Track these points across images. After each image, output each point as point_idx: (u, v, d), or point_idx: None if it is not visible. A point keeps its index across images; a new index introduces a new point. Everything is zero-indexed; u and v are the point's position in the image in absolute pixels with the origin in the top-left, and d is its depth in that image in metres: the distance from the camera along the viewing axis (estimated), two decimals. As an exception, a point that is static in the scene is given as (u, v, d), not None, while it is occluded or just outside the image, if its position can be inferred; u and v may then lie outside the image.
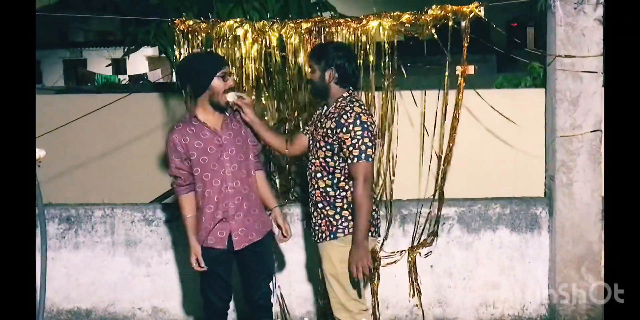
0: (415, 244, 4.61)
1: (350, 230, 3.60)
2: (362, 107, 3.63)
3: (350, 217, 3.61)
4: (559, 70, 4.40)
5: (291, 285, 4.72)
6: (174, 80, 7.19)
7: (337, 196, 3.63)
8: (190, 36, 4.47)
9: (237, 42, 4.41)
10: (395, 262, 4.57)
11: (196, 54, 4.27)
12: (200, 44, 4.47)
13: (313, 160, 3.69)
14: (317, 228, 3.71)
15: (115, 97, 5.16)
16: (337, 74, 3.64)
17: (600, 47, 4.31)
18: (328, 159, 3.61)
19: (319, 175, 3.65)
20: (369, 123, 3.54)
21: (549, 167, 4.64)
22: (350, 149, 3.51)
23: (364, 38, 4.32)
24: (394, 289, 4.59)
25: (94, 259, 4.81)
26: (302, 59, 4.38)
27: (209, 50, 4.47)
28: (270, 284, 3.98)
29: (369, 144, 3.52)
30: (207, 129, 3.72)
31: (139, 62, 27.23)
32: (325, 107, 3.74)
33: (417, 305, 4.62)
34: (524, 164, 4.80)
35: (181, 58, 4.43)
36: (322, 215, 3.67)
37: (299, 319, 4.73)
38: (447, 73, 4.27)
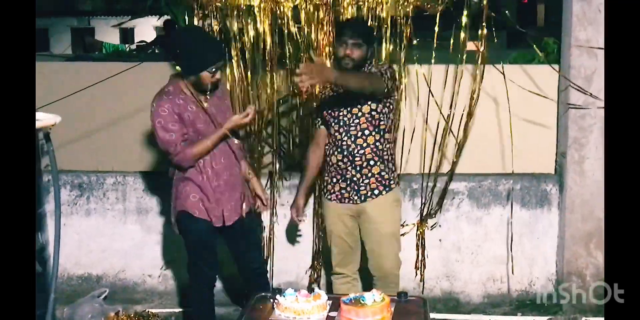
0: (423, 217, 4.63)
1: (397, 179, 3.91)
2: None
3: (394, 168, 3.85)
4: (573, 47, 4.37)
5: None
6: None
7: (385, 148, 3.81)
8: (203, 4, 4.43)
9: (252, 13, 4.37)
10: (403, 235, 4.59)
11: (198, 37, 3.75)
12: (214, 13, 4.42)
13: (356, 121, 3.75)
14: (362, 188, 3.79)
15: (125, 65, 5.13)
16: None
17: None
18: (373, 112, 3.74)
19: (367, 132, 3.76)
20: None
21: (561, 144, 4.64)
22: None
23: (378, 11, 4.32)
24: (403, 261, 4.60)
25: (105, 226, 4.85)
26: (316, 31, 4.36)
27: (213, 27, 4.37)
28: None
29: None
30: (194, 103, 3.66)
31: (146, 31, 27.06)
32: None
33: (421, 279, 4.66)
34: (535, 140, 4.80)
35: (184, 30, 4.29)
36: (370, 174, 3.78)
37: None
38: (463, 48, 4.31)
